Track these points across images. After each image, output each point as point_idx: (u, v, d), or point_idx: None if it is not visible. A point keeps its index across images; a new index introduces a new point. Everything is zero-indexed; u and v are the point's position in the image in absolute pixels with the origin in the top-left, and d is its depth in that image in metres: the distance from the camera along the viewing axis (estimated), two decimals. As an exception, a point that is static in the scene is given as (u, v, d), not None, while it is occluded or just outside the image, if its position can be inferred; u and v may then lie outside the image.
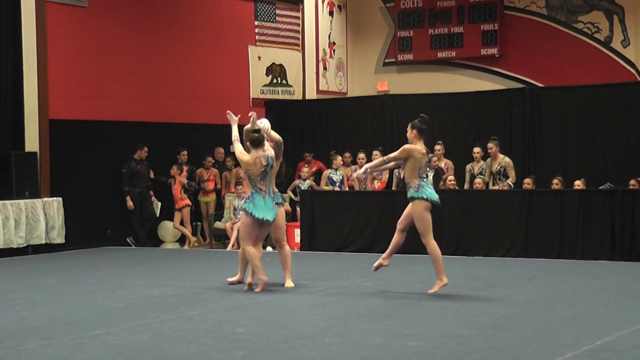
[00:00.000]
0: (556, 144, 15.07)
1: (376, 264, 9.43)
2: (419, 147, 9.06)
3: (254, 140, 9.37)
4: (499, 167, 13.76)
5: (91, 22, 15.05)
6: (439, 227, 13.02)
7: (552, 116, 15.13)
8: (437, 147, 14.70)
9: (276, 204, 9.61)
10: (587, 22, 17.96)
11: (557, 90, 15.64)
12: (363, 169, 9.45)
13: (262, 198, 9.28)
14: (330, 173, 15.21)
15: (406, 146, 9.08)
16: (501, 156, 13.84)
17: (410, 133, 9.13)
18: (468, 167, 14.38)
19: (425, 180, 9.12)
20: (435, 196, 9.09)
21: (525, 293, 9.21)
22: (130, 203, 15.02)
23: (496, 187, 13.62)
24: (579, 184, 13.21)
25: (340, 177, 15.12)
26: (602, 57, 17.75)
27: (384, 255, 9.40)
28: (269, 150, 9.47)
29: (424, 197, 9.00)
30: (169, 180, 15.49)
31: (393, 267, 11.59)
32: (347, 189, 15.01)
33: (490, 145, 13.86)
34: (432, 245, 9.03)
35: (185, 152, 15.60)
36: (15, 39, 13.95)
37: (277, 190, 9.83)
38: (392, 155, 9.20)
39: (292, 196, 15.30)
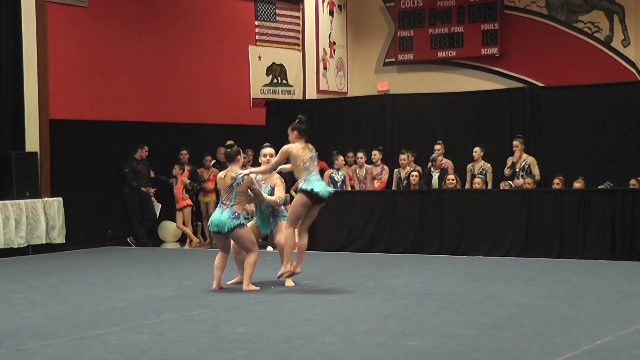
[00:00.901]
0: (556, 143, 15.05)
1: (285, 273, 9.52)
2: (297, 144, 9.33)
3: (227, 155, 9.61)
4: (523, 164, 13.80)
5: (91, 22, 15.05)
6: (439, 226, 13.10)
7: (552, 116, 15.12)
8: (437, 146, 14.70)
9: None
10: (588, 21, 17.96)
11: (558, 90, 15.63)
12: (249, 174, 9.50)
13: (220, 211, 9.40)
14: (332, 173, 15.21)
15: (283, 147, 9.37)
16: (525, 155, 13.89)
17: (291, 135, 9.43)
18: (469, 167, 14.39)
19: (313, 174, 9.32)
20: (319, 189, 9.26)
21: (525, 292, 9.21)
22: (149, 189, 15.18)
23: (520, 182, 13.63)
24: (578, 186, 13.21)
25: (342, 177, 15.12)
26: (603, 56, 17.76)
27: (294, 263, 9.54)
28: (273, 179, 9.77)
29: (307, 188, 9.21)
30: (170, 180, 15.51)
31: (394, 266, 11.63)
32: (349, 189, 15.01)
33: (515, 143, 13.93)
34: (288, 233, 9.38)
35: (185, 152, 15.62)
36: (16, 39, 13.95)
37: (283, 208, 9.91)
38: (274, 160, 9.51)
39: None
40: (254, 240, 9.57)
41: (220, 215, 9.38)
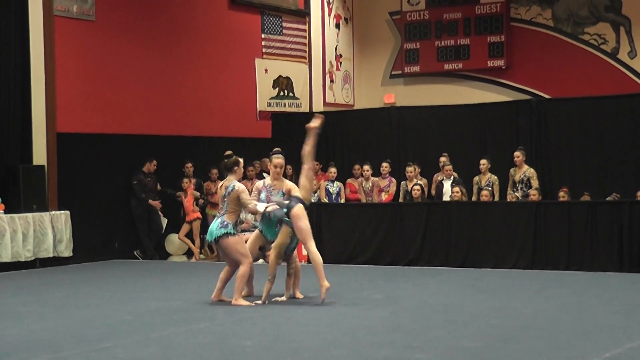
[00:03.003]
0: (563, 155, 15.05)
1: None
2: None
3: (224, 166, 9.57)
4: (522, 176, 13.79)
5: (99, 36, 15.10)
6: (446, 239, 13.08)
7: (558, 128, 15.11)
8: (443, 158, 14.69)
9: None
10: (594, 33, 17.97)
11: (564, 102, 15.64)
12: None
13: (215, 220, 9.45)
14: (327, 185, 15.21)
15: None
16: (526, 166, 13.88)
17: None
18: (475, 179, 14.37)
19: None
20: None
21: (533, 305, 9.19)
22: (155, 203, 15.17)
23: (513, 197, 13.60)
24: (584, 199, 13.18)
25: (337, 189, 15.12)
26: (609, 68, 17.76)
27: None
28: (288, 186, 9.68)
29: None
30: (178, 193, 15.52)
31: (401, 279, 11.61)
32: (342, 201, 15.01)
33: (517, 154, 13.90)
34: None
35: (190, 165, 15.63)
36: (23, 53, 14.01)
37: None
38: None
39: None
40: (245, 252, 9.36)
41: (213, 226, 9.37)
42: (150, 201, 15.18)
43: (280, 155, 9.82)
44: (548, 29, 18.38)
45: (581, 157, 14.88)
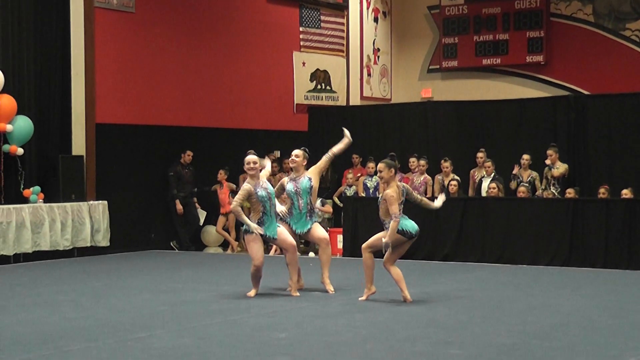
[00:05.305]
0: (601, 152, 14.89)
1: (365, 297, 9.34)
2: (395, 186, 9.14)
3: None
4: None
5: (138, 28, 15.20)
6: (482, 234, 13.02)
7: (597, 124, 14.96)
8: (480, 154, 14.59)
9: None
10: (635, 29, 17.77)
11: (603, 98, 15.46)
12: (385, 245, 9.35)
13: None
14: (365, 179, 15.18)
15: (391, 192, 9.12)
16: (559, 163, 13.80)
17: (389, 172, 9.10)
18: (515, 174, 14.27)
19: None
20: (408, 227, 9.23)
21: (569, 302, 9.13)
22: (179, 207, 15.13)
23: (549, 193, 13.54)
24: (626, 193, 13.02)
25: (375, 184, 15.05)
26: (650, 64, 17.57)
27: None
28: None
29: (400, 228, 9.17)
30: (214, 187, 15.56)
31: (436, 274, 11.59)
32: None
33: (550, 152, 13.80)
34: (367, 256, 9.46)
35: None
36: (64, 44, 14.16)
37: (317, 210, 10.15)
38: (394, 209, 9.18)
39: (338, 202, 15.30)
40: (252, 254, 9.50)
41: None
42: (177, 202, 15.15)
43: (298, 151, 10.06)
44: (588, 25, 18.21)
45: (619, 154, 14.72)
